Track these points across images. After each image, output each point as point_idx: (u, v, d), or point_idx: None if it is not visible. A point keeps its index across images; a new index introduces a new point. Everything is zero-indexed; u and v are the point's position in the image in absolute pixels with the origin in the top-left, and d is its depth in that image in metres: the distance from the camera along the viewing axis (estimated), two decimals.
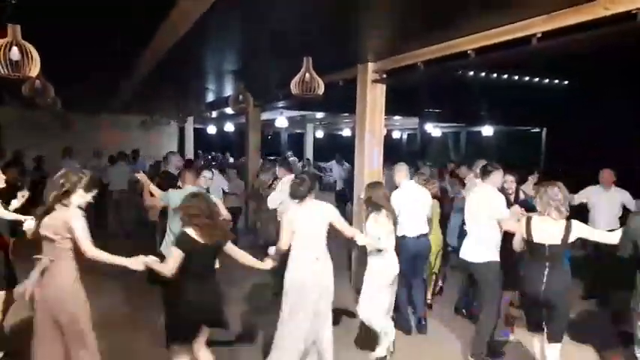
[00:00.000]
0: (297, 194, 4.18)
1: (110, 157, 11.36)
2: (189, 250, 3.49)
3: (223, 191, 8.12)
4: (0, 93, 10.40)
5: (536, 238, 3.80)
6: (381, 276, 4.53)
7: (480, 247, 4.60)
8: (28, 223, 3.61)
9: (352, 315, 5.27)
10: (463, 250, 4.78)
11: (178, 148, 17.59)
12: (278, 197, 6.23)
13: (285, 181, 6.32)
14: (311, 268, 4.09)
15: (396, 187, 5.38)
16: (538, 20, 4.02)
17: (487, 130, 16.60)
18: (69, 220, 3.34)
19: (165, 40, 5.28)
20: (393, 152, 16.05)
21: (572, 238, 3.73)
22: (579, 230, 3.76)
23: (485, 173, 4.74)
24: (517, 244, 4.08)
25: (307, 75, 5.09)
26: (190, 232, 3.54)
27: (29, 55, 3.88)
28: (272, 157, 13.94)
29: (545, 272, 3.76)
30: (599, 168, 6.33)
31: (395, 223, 4.65)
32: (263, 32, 5.07)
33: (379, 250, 4.47)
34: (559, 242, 3.72)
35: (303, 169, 15.20)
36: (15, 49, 3.82)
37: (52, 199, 3.43)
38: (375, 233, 4.44)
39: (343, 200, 11.04)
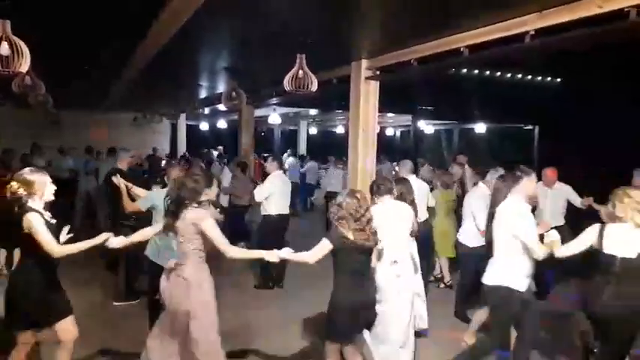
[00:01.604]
0: (379, 192, 4.24)
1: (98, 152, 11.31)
2: (339, 247, 3.47)
3: None
4: None
5: (608, 249, 3.32)
6: None
7: (497, 269, 3.91)
8: (113, 241, 3.47)
9: None
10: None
11: (171, 145, 17.53)
12: (266, 190, 6.35)
13: (273, 175, 6.43)
14: (387, 270, 4.10)
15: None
16: (531, 18, 4.02)
17: (480, 128, 16.66)
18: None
19: (158, 36, 5.24)
20: (386, 149, 16.10)
21: None
22: None
23: (512, 181, 3.93)
24: (567, 251, 3.57)
25: (300, 72, 5.07)
26: (340, 229, 3.48)
27: (19, 51, 3.84)
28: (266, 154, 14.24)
29: (606, 289, 3.32)
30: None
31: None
32: (256, 29, 5.03)
33: None
34: (634, 256, 3.25)
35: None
36: (4, 44, 3.79)
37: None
38: None
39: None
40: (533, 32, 4.01)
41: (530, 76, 12.60)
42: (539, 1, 3.82)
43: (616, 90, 11.20)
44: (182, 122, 17.28)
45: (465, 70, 10.33)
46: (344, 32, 5.13)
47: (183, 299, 3.42)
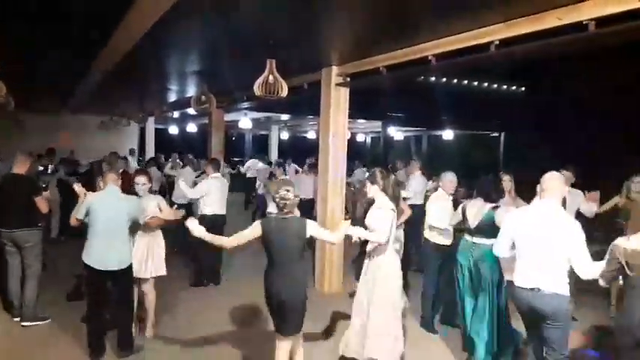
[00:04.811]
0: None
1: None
2: None
3: None
4: None
5: None
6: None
7: None
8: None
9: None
10: None
11: (139, 149, 17.20)
12: (200, 189, 6.73)
13: (210, 177, 6.82)
14: None
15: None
16: (496, 28, 4.14)
17: (448, 134, 17.00)
18: None
19: (125, 39, 5.16)
20: (357, 155, 16.24)
21: None
22: None
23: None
24: None
25: (271, 77, 5.05)
26: None
27: None
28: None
29: None
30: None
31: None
32: (226, 33, 5.02)
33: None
34: None
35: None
36: None
37: None
38: None
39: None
40: (497, 42, 4.14)
41: (496, 85, 12.94)
42: (503, 13, 3.94)
43: (577, 98, 11.60)
44: (150, 126, 16.98)
45: (433, 78, 10.53)
46: (314, 39, 5.16)
47: None
